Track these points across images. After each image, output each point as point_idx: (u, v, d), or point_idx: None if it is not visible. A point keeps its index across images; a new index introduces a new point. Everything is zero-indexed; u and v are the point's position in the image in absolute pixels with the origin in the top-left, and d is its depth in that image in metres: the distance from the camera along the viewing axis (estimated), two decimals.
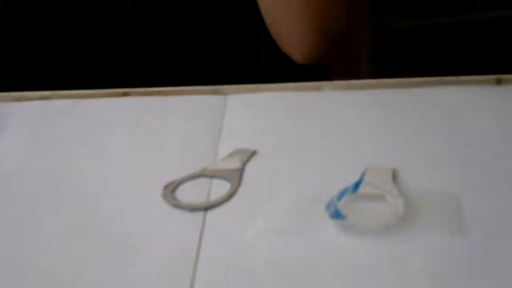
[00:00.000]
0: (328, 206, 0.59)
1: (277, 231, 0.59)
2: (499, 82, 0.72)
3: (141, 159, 0.68)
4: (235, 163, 0.66)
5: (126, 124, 0.73)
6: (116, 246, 0.59)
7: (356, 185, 0.60)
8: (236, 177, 0.64)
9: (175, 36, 1.06)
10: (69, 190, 0.65)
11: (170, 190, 0.63)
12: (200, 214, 0.61)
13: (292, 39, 0.81)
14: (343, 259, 0.56)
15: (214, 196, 0.63)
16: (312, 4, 0.79)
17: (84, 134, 0.72)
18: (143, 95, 0.77)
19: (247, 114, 0.73)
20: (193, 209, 0.62)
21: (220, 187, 0.64)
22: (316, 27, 0.79)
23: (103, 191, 0.65)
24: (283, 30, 0.82)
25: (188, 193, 0.63)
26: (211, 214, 0.61)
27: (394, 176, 0.62)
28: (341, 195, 0.59)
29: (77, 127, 0.73)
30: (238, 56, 1.05)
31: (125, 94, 0.77)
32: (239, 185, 0.64)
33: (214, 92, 0.76)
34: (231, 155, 0.67)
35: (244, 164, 0.66)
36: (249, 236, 0.59)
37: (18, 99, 0.78)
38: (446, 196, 0.60)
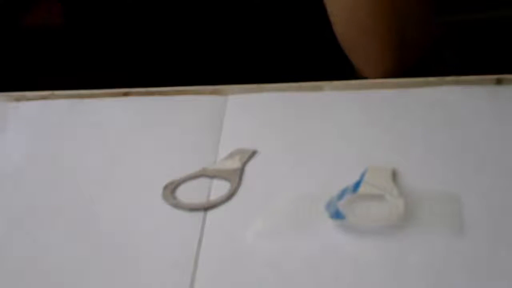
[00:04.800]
0: (328, 206, 0.59)
1: (277, 231, 0.59)
2: (499, 82, 0.72)
3: (141, 159, 0.68)
4: (235, 163, 0.66)
5: (126, 124, 0.73)
6: (116, 246, 0.59)
7: (356, 185, 0.60)
8: (236, 177, 0.64)
9: (175, 36, 1.06)
10: (69, 190, 0.65)
11: (170, 190, 0.64)
12: (200, 214, 0.61)
13: (367, 59, 0.79)
14: (343, 259, 0.56)
15: (214, 196, 0.63)
16: (387, 23, 0.77)
17: (84, 134, 0.72)
18: (143, 95, 0.77)
19: (247, 114, 0.73)
20: (193, 209, 0.62)
21: (220, 187, 0.64)
22: (397, 50, 0.78)
23: (103, 191, 0.65)
24: (357, 49, 0.79)
25: (188, 193, 0.64)
26: (211, 214, 0.61)
27: (394, 176, 0.62)
28: (341, 195, 0.59)
29: (77, 127, 0.73)
30: (238, 56, 1.05)
31: (125, 94, 0.77)
32: (239, 185, 0.64)
33: (214, 92, 0.76)
34: (231, 155, 0.67)
35: (244, 164, 0.66)
36: (249, 236, 0.59)
37: (18, 99, 0.78)
38: (446, 196, 0.60)
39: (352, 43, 0.80)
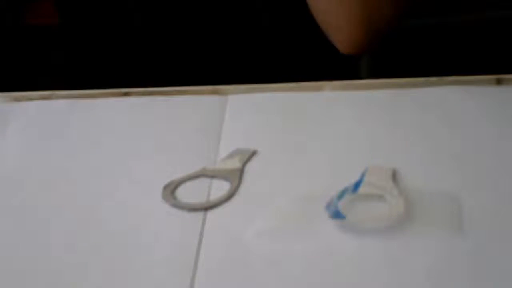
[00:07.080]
0: (328, 206, 0.59)
1: (277, 231, 0.59)
2: (499, 82, 0.72)
3: (141, 159, 0.68)
4: (235, 163, 0.66)
5: (126, 124, 0.73)
6: (116, 246, 0.59)
7: (356, 185, 0.60)
8: (236, 177, 0.64)
9: (175, 36, 1.06)
10: (69, 190, 0.65)
11: (170, 190, 0.64)
12: (200, 214, 0.61)
13: (340, 30, 0.81)
14: (343, 259, 0.56)
15: (214, 196, 0.63)
16: None
17: (84, 134, 0.72)
18: (143, 95, 0.77)
19: (247, 114, 0.73)
20: (193, 209, 0.62)
21: (220, 187, 0.64)
22: (364, 18, 0.79)
23: (103, 191, 0.65)
24: (330, 20, 0.81)
25: (188, 193, 0.64)
26: (211, 214, 0.61)
27: (394, 176, 0.62)
28: (341, 195, 0.59)
29: (77, 127, 0.73)
30: (238, 56, 1.06)
31: (125, 94, 0.77)
32: (239, 185, 0.64)
33: (214, 92, 0.76)
34: (231, 155, 0.67)
35: (244, 164, 0.66)
36: (249, 236, 0.59)
37: (18, 99, 0.78)
38: (446, 196, 0.60)
39: (322, 11, 0.81)
